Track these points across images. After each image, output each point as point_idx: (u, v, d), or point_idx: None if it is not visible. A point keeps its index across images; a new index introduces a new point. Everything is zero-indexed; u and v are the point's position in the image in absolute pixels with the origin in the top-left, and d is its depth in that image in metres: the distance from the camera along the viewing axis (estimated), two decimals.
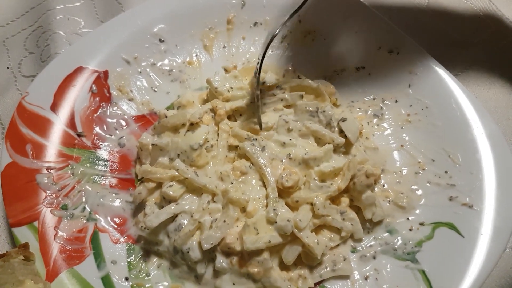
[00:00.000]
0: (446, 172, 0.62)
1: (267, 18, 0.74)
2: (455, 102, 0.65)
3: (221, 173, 0.60)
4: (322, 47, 0.73)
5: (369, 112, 0.69)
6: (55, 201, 0.60)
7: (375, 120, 0.68)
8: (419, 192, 0.62)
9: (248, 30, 0.74)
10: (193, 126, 0.61)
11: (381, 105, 0.69)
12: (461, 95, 0.65)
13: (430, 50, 0.69)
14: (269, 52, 0.74)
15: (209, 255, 0.56)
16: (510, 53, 0.75)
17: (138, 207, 0.61)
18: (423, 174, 0.63)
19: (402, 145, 0.66)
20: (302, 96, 0.64)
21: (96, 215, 0.60)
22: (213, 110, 0.64)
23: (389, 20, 0.71)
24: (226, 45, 0.74)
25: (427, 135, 0.65)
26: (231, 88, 0.65)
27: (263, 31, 0.74)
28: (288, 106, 0.65)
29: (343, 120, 0.63)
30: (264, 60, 0.69)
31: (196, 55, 0.73)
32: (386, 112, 0.68)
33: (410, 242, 0.59)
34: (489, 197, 0.59)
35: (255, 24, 0.74)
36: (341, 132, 0.63)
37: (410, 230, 0.60)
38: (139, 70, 0.70)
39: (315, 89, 0.66)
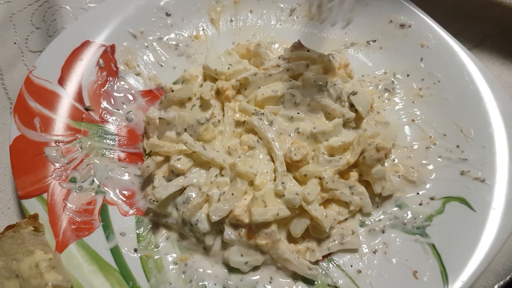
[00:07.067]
0: (458, 146, 0.61)
1: None
2: (468, 75, 0.64)
3: (228, 147, 0.59)
4: (331, 20, 0.72)
5: (380, 86, 0.67)
6: (64, 174, 0.60)
7: (386, 95, 0.67)
8: (430, 166, 0.61)
9: (255, 3, 0.73)
10: (199, 100, 0.61)
11: (392, 79, 0.67)
12: (474, 69, 0.64)
13: (442, 23, 0.68)
14: (277, 25, 0.73)
15: (217, 227, 0.56)
16: None
17: (147, 181, 0.61)
18: (434, 148, 0.62)
19: (413, 120, 0.65)
20: (307, 65, 0.63)
21: (105, 188, 0.60)
22: (218, 92, 0.62)
23: None
24: (233, 19, 0.72)
25: (439, 110, 0.64)
26: (230, 65, 0.63)
27: (271, 4, 0.72)
28: (295, 78, 0.64)
29: (354, 93, 0.62)
30: (272, 33, 0.67)
31: (203, 29, 0.72)
32: (398, 87, 0.67)
33: (420, 216, 0.58)
34: (501, 171, 0.58)
35: None
36: (352, 106, 0.62)
37: (420, 204, 0.59)
38: (145, 44, 0.69)
39: (325, 64, 0.64)
